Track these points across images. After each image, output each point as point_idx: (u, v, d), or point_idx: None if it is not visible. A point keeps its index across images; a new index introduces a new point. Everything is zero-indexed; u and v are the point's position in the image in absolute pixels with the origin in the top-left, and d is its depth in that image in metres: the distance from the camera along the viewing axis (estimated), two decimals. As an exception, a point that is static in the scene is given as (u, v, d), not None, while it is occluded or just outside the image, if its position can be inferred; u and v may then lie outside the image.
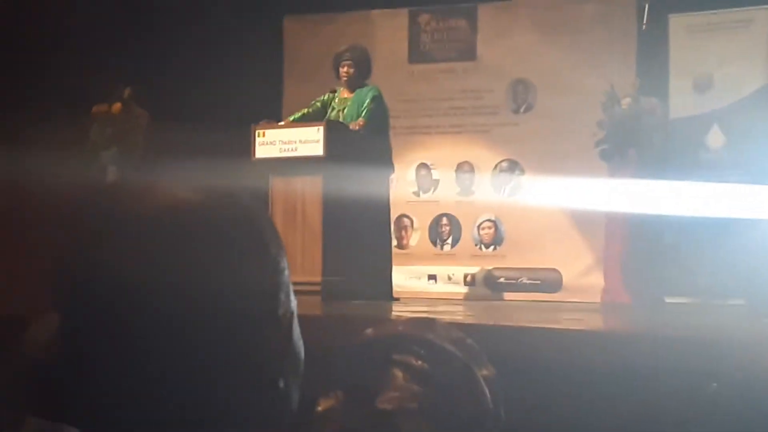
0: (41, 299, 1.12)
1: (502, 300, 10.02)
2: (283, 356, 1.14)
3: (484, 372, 1.39)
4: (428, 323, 1.42)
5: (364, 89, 8.20)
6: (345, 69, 8.25)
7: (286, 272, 1.16)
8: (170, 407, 1.05)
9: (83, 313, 1.05)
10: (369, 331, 1.43)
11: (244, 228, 1.12)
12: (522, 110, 10.59)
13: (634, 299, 8.90)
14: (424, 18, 11.01)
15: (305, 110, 8.35)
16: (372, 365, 1.39)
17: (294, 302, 1.17)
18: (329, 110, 8.27)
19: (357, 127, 7.90)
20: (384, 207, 8.24)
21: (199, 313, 1.05)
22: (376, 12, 11.10)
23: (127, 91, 9.67)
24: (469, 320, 6.43)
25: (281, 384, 1.13)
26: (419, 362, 1.37)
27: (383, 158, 8.21)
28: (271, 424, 1.12)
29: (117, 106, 9.61)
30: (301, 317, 1.20)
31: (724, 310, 8.02)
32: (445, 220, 10.72)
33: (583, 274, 9.91)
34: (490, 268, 10.37)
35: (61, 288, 1.08)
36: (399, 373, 1.36)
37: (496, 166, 10.58)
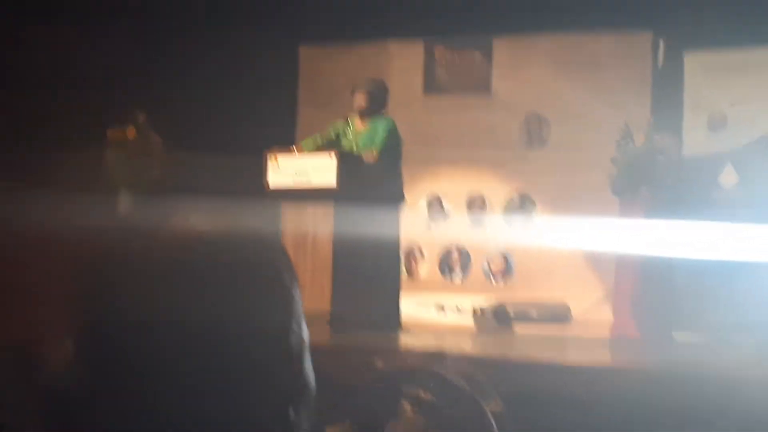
0: (57, 329, 1.13)
1: (511, 333, 10.00)
2: (295, 387, 1.14)
3: (493, 407, 1.40)
4: (438, 357, 1.43)
5: (379, 120, 8.22)
6: (358, 99, 8.27)
7: (299, 302, 1.17)
8: None
9: (100, 344, 1.06)
10: (379, 363, 1.44)
11: (258, 258, 1.13)
12: (536, 145, 10.60)
13: (643, 334, 8.87)
14: (439, 50, 11.05)
15: (318, 138, 8.35)
16: (382, 397, 1.40)
17: (306, 332, 1.18)
18: (342, 139, 8.29)
19: (371, 158, 7.92)
20: (394, 238, 8.24)
21: (212, 342, 1.06)
22: (391, 43, 11.14)
23: (141, 116, 9.71)
24: (477, 353, 6.42)
25: (292, 415, 1.13)
26: (428, 395, 1.38)
27: (395, 189, 8.22)
28: None
29: (131, 130, 9.64)
30: (310, 347, 1.21)
31: (732, 348, 7.99)
32: (455, 252, 10.72)
33: (592, 309, 9.89)
34: (500, 300, 10.35)
35: (80, 320, 1.09)
36: (408, 406, 1.37)
37: (508, 199, 10.59)
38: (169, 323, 1.05)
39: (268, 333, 1.10)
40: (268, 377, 1.10)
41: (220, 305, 1.07)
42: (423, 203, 10.82)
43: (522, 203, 10.50)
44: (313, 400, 1.17)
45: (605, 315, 9.52)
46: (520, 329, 10.06)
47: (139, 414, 1.05)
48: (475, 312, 10.35)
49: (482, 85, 10.86)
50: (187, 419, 1.06)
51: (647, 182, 9.01)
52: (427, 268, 10.75)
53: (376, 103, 8.32)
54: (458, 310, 10.43)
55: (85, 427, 1.07)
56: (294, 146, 8.57)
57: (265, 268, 1.12)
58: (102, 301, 1.07)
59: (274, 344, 1.11)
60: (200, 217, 1.11)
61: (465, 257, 10.65)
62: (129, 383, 1.05)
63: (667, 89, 9.94)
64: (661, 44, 10.06)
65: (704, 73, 9.81)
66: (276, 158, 8.00)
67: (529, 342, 8.72)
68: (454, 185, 10.79)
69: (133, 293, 1.05)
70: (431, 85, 11.03)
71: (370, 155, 7.95)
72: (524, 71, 10.68)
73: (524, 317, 10.17)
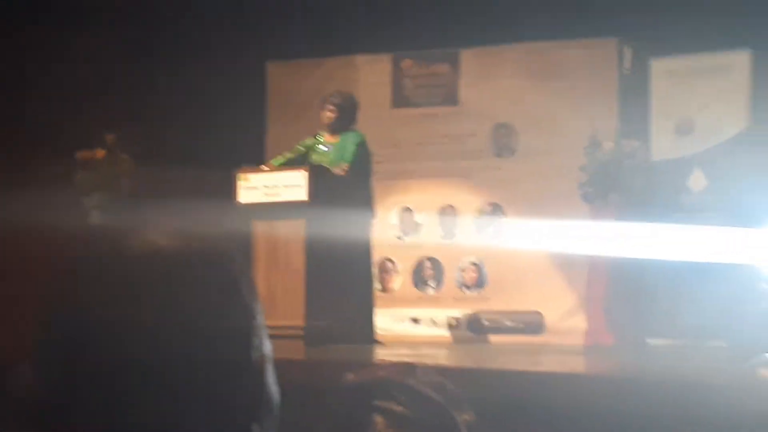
0: (25, 342, 1.13)
1: (486, 343, 10.01)
2: (257, 401, 1.14)
3: (465, 417, 1.40)
4: (409, 368, 1.43)
5: (349, 134, 8.25)
6: (327, 114, 8.29)
7: (260, 316, 1.16)
8: None
9: (60, 353, 1.06)
10: (350, 376, 1.44)
11: (218, 272, 1.13)
12: (504, 154, 10.63)
13: (617, 341, 8.91)
14: (407, 63, 11.07)
15: (288, 155, 8.38)
16: (353, 410, 1.40)
17: (268, 347, 1.17)
18: (312, 154, 8.30)
19: (341, 172, 7.93)
20: (367, 251, 8.25)
21: (171, 356, 1.06)
22: (359, 57, 11.15)
23: (110, 137, 9.67)
24: (452, 364, 6.43)
25: (255, 430, 1.13)
26: (400, 408, 1.38)
27: (366, 203, 8.24)
28: None
29: (101, 152, 9.61)
30: (283, 361, 1.21)
31: (705, 353, 8.03)
32: (428, 263, 10.72)
33: (565, 317, 9.91)
34: (474, 311, 10.37)
35: (40, 329, 1.09)
36: (380, 419, 1.37)
37: (478, 209, 10.61)
38: (129, 338, 1.05)
39: (228, 347, 1.11)
40: (229, 392, 1.10)
41: (179, 320, 1.07)
42: (394, 216, 10.82)
43: (493, 213, 10.52)
44: (277, 414, 1.17)
45: (579, 323, 9.55)
46: (494, 339, 10.08)
47: (98, 425, 1.05)
48: (449, 323, 10.37)
49: (450, 97, 10.88)
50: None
51: (616, 188, 9.06)
52: (400, 281, 10.75)
53: (346, 118, 8.34)
54: (433, 322, 10.43)
55: None
56: (264, 164, 8.58)
57: (224, 282, 1.13)
58: (65, 312, 1.07)
59: (234, 359, 1.11)
60: (163, 232, 1.12)
61: (438, 269, 10.66)
62: (87, 396, 1.05)
63: (633, 95, 9.99)
64: (627, 51, 10.11)
65: (670, 78, 9.87)
66: (246, 176, 8.01)
67: (504, 351, 8.74)
68: (424, 197, 10.80)
69: (93, 307, 1.06)
70: (400, 98, 11.05)
71: (340, 169, 7.96)
72: (491, 81, 10.71)
73: (498, 327, 10.19)
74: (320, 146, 8.33)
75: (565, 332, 9.65)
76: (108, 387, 1.05)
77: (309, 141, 8.42)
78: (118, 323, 1.05)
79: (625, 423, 3.95)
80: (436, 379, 1.42)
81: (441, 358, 7.32)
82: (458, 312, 10.39)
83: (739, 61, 9.54)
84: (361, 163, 8.15)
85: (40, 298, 1.10)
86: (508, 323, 10.14)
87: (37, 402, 1.08)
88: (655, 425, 3.63)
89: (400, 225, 10.86)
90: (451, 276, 10.60)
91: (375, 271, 9.01)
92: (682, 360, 7.34)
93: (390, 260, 10.72)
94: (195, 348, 1.08)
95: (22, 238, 7.07)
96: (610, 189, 9.06)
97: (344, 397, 1.42)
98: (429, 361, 6.01)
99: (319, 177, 7.81)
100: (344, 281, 7.81)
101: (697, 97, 9.68)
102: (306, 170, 7.82)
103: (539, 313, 10.05)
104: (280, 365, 1.23)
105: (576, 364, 6.96)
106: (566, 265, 9.75)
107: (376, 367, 1.43)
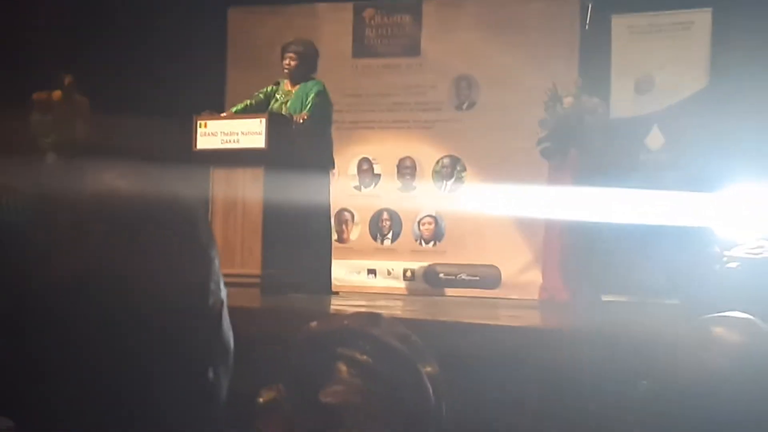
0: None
1: (442, 296, 10.05)
2: (212, 346, 1.13)
3: (428, 369, 1.40)
4: (373, 318, 1.42)
5: (309, 83, 8.20)
6: (287, 61, 8.24)
7: (216, 262, 1.16)
8: (97, 397, 1.05)
9: (14, 304, 1.05)
10: (314, 324, 1.43)
11: (173, 216, 1.12)
12: (465, 107, 10.62)
13: (572, 297, 8.97)
14: (368, 13, 11.00)
15: (248, 102, 8.33)
16: (316, 358, 1.39)
17: (224, 292, 1.17)
18: (272, 102, 8.26)
19: (300, 120, 7.90)
20: (325, 201, 8.23)
21: (126, 301, 1.05)
22: (321, 5, 11.08)
23: (67, 79, 9.56)
24: (409, 316, 6.44)
25: (210, 374, 1.12)
26: (364, 357, 1.37)
27: (325, 152, 8.21)
28: (202, 414, 1.12)
29: (57, 93, 9.50)
30: (240, 309, 1.19)
31: (658, 310, 8.11)
32: (385, 215, 10.73)
33: (521, 271, 9.96)
34: (430, 263, 10.39)
35: None
36: (343, 367, 1.36)
37: (438, 162, 10.61)
38: (84, 283, 1.03)
39: (184, 293, 1.10)
40: (185, 337, 1.09)
41: (135, 266, 1.06)
42: (353, 166, 10.80)
43: (452, 165, 10.53)
44: (232, 360, 1.17)
45: (535, 277, 9.61)
46: (450, 292, 10.12)
47: (53, 376, 1.04)
48: (405, 275, 10.39)
49: (412, 48, 10.84)
50: (104, 380, 1.05)
51: (576, 144, 9.08)
52: (357, 231, 10.75)
53: (306, 66, 8.30)
54: (389, 273, 10.46)
55: (5, 389, 1.05)
56: (223, 112, 8.53)
57: (180, 227, 1.11)
58: (18, 258, 1.05)
59: (190, 304, 1.10)
60: (118, 178, 1.10)
61: (395, 221, 10.67)
62: (44, 343, 1.04)
63: (594, 52, 10.00)
64: (589, 7, 10.10)
65: (631, 35, 9.88)
66: (205, 122, 7.95)
67: (460, 304, 8.77)
68: (384, 148, 10.79)
69: (50, 253, 1.04)
70: (361, 48, 10.99)
71: (299, 118, 7.92)
72: (453, 34, 10.68)
73: (454, 280, 10.23)
74: (279, 94, 8.28)
75: (521, 287, 9.71)
76: (61, 333, 1.04)
77: (269, 88, 8.37)
78: (75, 269, 1.03)
79: (579, 377, 3.98)
80: (400, 330, 1.41)
81: (397, 309, 7.33)
82: (415, 264, 10.42)
83: (700, 19, 9.56)
84: (321, 112, 8.11)
85: None
86: (464, 277, 10.18)
87: None
88: (608, 379, 3.65)
89: (359, 176, 10.85)
90: (408, 228, 10.61)
91: (332, 221, 9.00)
92: (636, 316, 7.40)
93: (348, 211, 10.72)
94: (151, 293, 1.06)
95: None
96: (570, 144, 9.09)
97: (307, 344, 1.41)
98: (386, 312, 6.02)
99: (277, 125, 7.77)
100: (301, 231, 7.80)
101: (657, 55, 9.70)
102: (265, 118, 7.77)
103: (495, 267, 10.10)
104: (237, 313, 1.21)
105: (531, 319, 7.00)
106: (523, 220, 9.79)
107: (341, 316, 1.42)
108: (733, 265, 4.87)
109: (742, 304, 2.01)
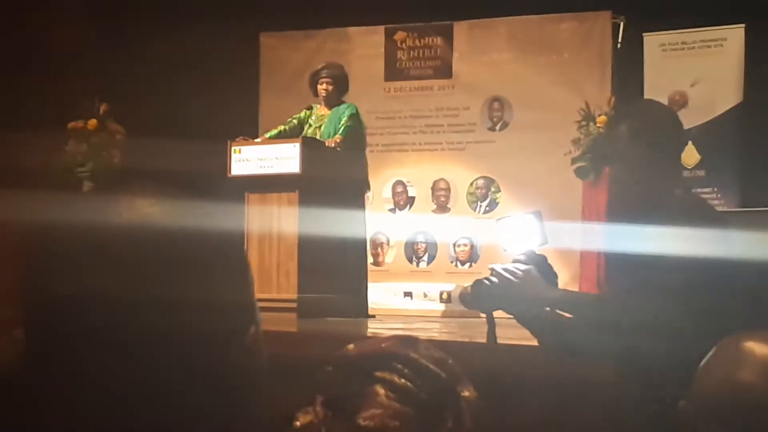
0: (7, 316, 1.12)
1: (478, 317, 10.00)
2: (245, 368, 1.14)
3: (465, 393, 1.40)
4: (411, 341, 1.42)
5: (341, 106, 8.23)
6: (323, 86, 8.28)
7: (252, 287, 1.17)
8: (128, 418, 1.06)
9: (50, 326, 1.06)
10: (351, 346, 1.43)
11: (212, 242, 1.12)
12: (498, 128, 10.62)
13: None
14: (400, 35, 11.03)
15: (282, 127, 8.38)
16: (354, 381, 1.39)
17: (259, 315, 1.17)
18: (306, 127, 8.30)
19: (334, 144, 7.92)
20: (360, 224, 8.24)
21: (163, 323, 1.05)
22: (352, 29, 11.12)
23: (103, 107, 9.64)
24: (445, 337, 6.43)
25: (241, 394, 1.13)
26: (402, 380, 1.37)
27: (359, 175, 8.23)
28: None
29: (93, 122, 9.57)
30: (277, 334, 1.20)
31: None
32: (421, 238, 10.72)
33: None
34: (466, 285, 10.35)
35: (31, 301, 1.08)
36: (381, 391, 1.36)
37: (472, 183, 10.61)
38: (124, 309, 1.04)
39: (223, 320, 1.10)
40: (219, 359, 1.09)
41: (171, 288, 1.06)
42: (387, 189, 10.82)
43: (486, 186, 10.52)
44: (263, 383, 1.17)
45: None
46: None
47: (87, 395, 1.05)
48: (441, 297, 10.37)
49: (443, 69, 10.86)
50: (132, 400, 1.06)
51: (610, 162, 9.04)
52: (393, 254, 10.75)
53: (339, 90, 8.34)
54: (425, 296, 10.44)
55: (37, 411, 1.06)
56: (257, 137, 8.58)
57: (218, 251, 1.12)
58: (55, 284, 1.06)
59: (225, 327, 1.11)
60: (153, 206, 1.10)
61: (431, 243, 10.66)
62: (80, 362, 1.04)
63: (627, 70, 9.98)
64: (621, 25, 10.10)
65: (663, 53, 9.85)
66: (239, 148, 8.00)
67: (497, 326, 8.72)
68: (417, 170, 10.80)
69: (87, 276, 1.05)
70: (393, 71, 11.02)
71: (333, 142, 7.95)
72: (485, 55, 10.70)
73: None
74: (313, 119, 8.32)
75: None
76: (102, 366, 1.05)
77: (302, 113, 8.42)
78: (108, 292, 1.04)
79: (619, 397, 3.95)
80: (437, 353, 1.41)
81: (434, 332, 7.32)
82: (451, 286, 10.39)
83: (733, 35, 9.52)
84: (354, 135, 8.14)
85: (29, 272, 1.08)
86: (501, 297, 10.13)
87: (23, 374, 1.07)
88: (649, 399, 3.62)
89: (393, 198, 10.86)
90: (443, 250, 10.60)
91: (368, 244, 9.01)
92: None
93: (383, 234, 10.72)
94: (186, 314, 1.07)
95: (13, 208, 7.04)
96: (604, 163, 9.06)
97: (345, 367, 1.41)
98: (423, 335, 6.01)
99: (312, 149, 7.80)
100: (337, 254, 7.81)
101: (690, 71, 9.67)
102: (299, 142, 7.81)
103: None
104: (274, 338, 1.22)
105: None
106: (559, 238, 9.73)
107: (378, 339, 1.42)
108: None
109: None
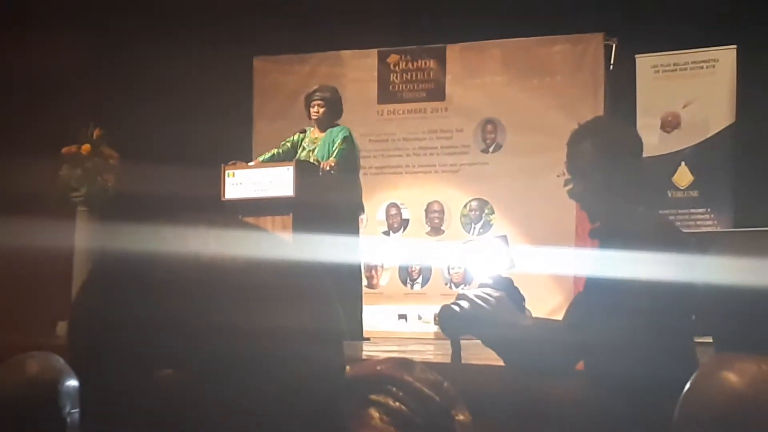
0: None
1: (472, 339, 9.99)
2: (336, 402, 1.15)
3: (461, 417, 1.39)
4: (406, 364, 1.42)
5: (335, 129, 8.25)
6: (315, 109, 8.29)
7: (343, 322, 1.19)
8: None
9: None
10: (345, 369, 1.43)
11: (312, 278, 1.14)
12: (491, 150, 10.64)
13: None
14: (393, 58, 11.06)
15: (275, 150, 8.39)
16: (348, 405, 1.39)
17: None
18: (299, 150, 8.31)
19: (327, 167, 7.93)
20: (354, 247, 8.24)
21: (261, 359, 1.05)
22: (345, 53, 11.15)
23: (96, 132, 9.63)
24: (440, 359, 6.42)
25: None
26: (397, 404, 1.37)
27: (353, 198, 8.23)
28: None
29: (86, 147, 9.55)
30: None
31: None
32: (415, 260, 10.72)
33: (551, 313, 9.89)
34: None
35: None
36: (376, 414, 1.36)
37: (465, 205, 10.61)
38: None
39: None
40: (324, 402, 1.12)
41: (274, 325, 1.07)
42: (381, 212, 10.82)
43: (480, 208, 10.52)
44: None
45: (566, 318, 9.54)
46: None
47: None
48: (436, 319, 10.35)
49: (437, 92, 10.88)
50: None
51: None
52: (387, 276, 10.74)
53: (331, 112, 8.35)
54: (420, 318, 10.43)
55: None
56: (251, 161, 8.58)
57: (317, 287, 1.15)
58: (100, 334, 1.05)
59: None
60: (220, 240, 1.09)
61: (425, 265, 10.65)
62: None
63: (619, 92, 10.02)
64: (613, 47, 10.13)
65: (655, 74, 9.89)
66: (233, 172, 8.00)
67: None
68: (411, 193, 10.80)
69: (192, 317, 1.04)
70: (385, 94, 11.04)
71: (327, 165, 7.96)
72: (478, 77, 10.73)
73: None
74: (306, 142, 8.33)
75: (552, 328, 9.64)
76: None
77: (296, 137, 8.43)
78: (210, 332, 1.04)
79: (617, 416, 3.95)
80: (432, 376, 1.41)
81: (428, 354, 7.31)
82: (445, 308, 10.37)
83: (724, 56, 9.56)
84: (348, 158, 8.15)
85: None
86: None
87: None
88: (645, 417, 3.62)
89: (387, 221, 10.86)
90: (438, 272, 10.59)
91: (362, 267, 9.01)
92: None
93: (377, 256, 10.71)
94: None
95: (9, 235, 7.04)
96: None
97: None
98: (418, 358, 6.00)
99: (305, 172, 7.81)
100: (330, 277, 7.79)
101: (683, 92, 9.70)
102: (292, 166, 7.81)
103: (526, 309, 10.02)
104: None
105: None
106: (553, 260, 9.74)
107: (373, 362, 1.42)
108: None
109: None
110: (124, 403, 1.03)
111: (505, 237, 3.27)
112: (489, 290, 3.08)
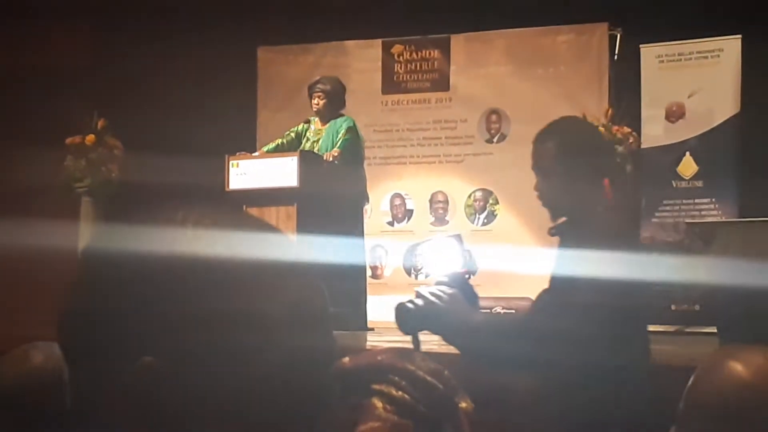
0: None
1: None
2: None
3: (464, 404, 1.39)
4: (407, 353, 1.42)
5: (339, 120, 8.23)
6: (316, 100, 8.27)
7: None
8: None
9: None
10: (346, 359, 1.43)
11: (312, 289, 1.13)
12: (495, 140, 10.63)
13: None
14: (397, 49, 11.05)
15: (279, 141, 8.38)
16: (351, 394, 1.39)
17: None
18: (303, 141, 8.30)
19: (331, 158, 7.92)
20: (358, 237, 8.24)
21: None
22: (349, 43, 11.14)
23: (100, 122, 9.64)
24: (445, 350, 6.42)
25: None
26: (399, 393, 1.37)
27: (358, 188, 8.23)
28: None
29: (90, 137, 9.57)
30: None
31: (698, 338, 8.05)
32: (419, 250, 10.71)
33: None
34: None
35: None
36: (379, 403, 1.36)
37: (470, 195, 10.61)
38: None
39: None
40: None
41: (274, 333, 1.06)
42: (385, 202, 10.82)
43: (484, 198, 10.52)
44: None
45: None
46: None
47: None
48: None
49: (441, 82, 10.87)
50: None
51: (608, 174, 9.05)
52: (391, 267, 10.74)
53: (335, 103, 8.33)
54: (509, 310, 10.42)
55: None
56: (255, 151, 8.58)
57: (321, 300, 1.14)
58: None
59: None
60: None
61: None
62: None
63: (624, 82, 10.00)
64: (618, 37, 10.11)
65: (660, 64, 9.86)
66: (237, 162, 8.00)
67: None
68: (415, 183, 10.80)
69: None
70: (390, 84, 11.03)
71: (330, 155, 7.95)
72: (482, 67, 10.72)
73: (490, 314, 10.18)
74: (310, 133, 8.32)
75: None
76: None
77: (300, 127, 8.42)
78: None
79: (619, 407, 3.95)
80: (433, 365, 1.41)
81: (433, 344, 7.30)
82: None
83: (729, 46, 9.54)
84: (352, 148, 8.14)
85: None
86: (500, 310, 10.13)
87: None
88: (650, 409, 3.63)
89: (392, 211, 10.86)
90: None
91: (366, 257, 9.00)
92: (671, 346, 7.34)
93: (381, 247, 10.72)
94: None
95: (14, 225, 7.04)
96: (601, 175, 9.06)
97: (341, 380, 1.41)
98: (422, 348, 6.00)
99: (309, 163, 7.80)
100: (336, 268, 7.80)
101: (688, 82, 9.68)
102: (296, 156, 7.81)
103: (530, 299, 10.02)
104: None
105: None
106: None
107: (374, 352, 1.42)
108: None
109: None
110: (109, 392, 1.03)
111: (459, 236, 3.35)
112: (444, 287, 3.16)
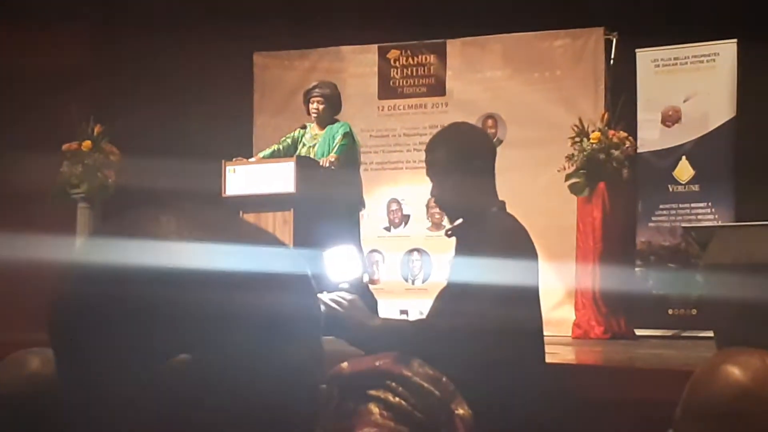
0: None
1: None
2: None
3: (460, 411, 1.39)
4: (404, 359, 1.42)
5: (335, 125, 8.24)
6: (314, 105, 8.28)
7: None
8: None
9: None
10: (345, 365, 1.43)
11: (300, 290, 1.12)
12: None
13: (605, 333, 8.92)
14: (393, 54, 11.05)
15: (276, 147, 8.38)
16: (348, 399, 1.39)
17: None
18: (300, 146, 8.31)
19: (328, 163, 7.93)
20: (355, 243, 8.23)
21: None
22: (345, 48, 11.14)
23: (97, 128, 9.63)
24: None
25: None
26: (396, 399, 1.36)
27: (354, 193, 8.23)
28: None
29: (87, 143, 9.56)
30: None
31: (695, 342, 8.05)
32: (416, 255, 10.71)
33: (554, 309, 9.89)
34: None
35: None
36: (375, 409, 1.36)
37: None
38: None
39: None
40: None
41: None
42: (382, 207, 10.81)
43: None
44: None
45: (568, 314, 9.55)
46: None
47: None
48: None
49: (437, 88, 10.87)
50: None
51: (604, 178, 9.07)
52: (388, 272, 10.73)
53: (331, 109, 8.34)
54: (421, 314, 10.41)
55: None
56: (251, 157, 8.58)
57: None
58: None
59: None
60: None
61: (426, 261, 10.65)
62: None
63: (620, 86, 9.99)
64: (614, 41, 10.11)
65: (656, 68, 9.87)
66: (234, 168, 8.00)
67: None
68: (412, 188, 10.78)
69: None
70: (386, 89, 11.03)
71: (327, 161, 7.96)
72: (478, 72, 10.71)
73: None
74: (307, 138, 8.33)
75: (554, 324, 9.61)
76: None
77: (296, 133, 8.42)
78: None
79: (619, 412, 3.96)
80: (431, 371, 1.41)
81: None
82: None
83: (725, 50, 9.54)
84: (349, 154, 8.15)
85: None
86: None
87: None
88: (648, 413, 3.63)
89: (388, 216, 10.86)
90: (438, 268, 10.58)
91: (364, 262, 9.00)
92: (670, 350, 7.35)
93: (378, 252, 10.71)
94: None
95: (10, 232, 7.03)
96: (598, 179, 9.07)
97: (338, 385, 1.40)
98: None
99: (306, 168, 7.80)
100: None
101: (684, 86, 9.69)
102: (293, 161, 7.81)
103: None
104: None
105: (566, 355, 6.96)
106: (555, 255, 9.74)
107: (372, 357, 1.41)
108: None
109: None
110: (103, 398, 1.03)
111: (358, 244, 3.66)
112: (343, 293, 3.25)
